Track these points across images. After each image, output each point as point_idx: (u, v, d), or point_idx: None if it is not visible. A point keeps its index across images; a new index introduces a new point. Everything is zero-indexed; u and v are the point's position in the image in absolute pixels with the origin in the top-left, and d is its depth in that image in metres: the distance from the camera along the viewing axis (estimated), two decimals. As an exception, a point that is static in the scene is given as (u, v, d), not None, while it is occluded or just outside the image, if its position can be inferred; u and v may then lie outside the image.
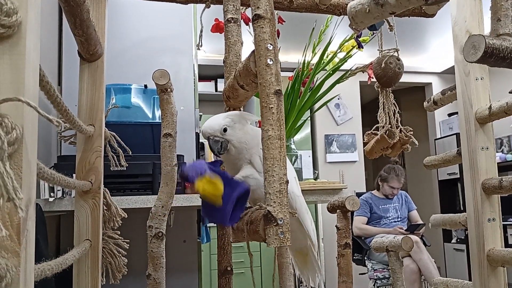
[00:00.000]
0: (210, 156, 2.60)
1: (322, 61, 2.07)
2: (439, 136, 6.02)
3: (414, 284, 3.57)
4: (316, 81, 2.10)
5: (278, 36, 2.13)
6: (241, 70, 0.99)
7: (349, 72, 2.11)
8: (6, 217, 0.54)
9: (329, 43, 2.05)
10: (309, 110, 2.45)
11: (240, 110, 1.23)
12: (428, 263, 3.56)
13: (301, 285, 4.58)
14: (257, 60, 0.86)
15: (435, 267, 3.58)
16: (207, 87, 5.44)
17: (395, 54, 1.70)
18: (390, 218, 4.05)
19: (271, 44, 0.84)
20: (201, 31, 1.69)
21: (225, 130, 1.03)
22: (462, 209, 5.50)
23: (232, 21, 1.24)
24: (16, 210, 0.52)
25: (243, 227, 0.92)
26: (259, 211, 0.86)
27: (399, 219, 4.07)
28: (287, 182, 0.80)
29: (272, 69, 0.83)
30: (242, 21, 1.50)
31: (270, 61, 0.83)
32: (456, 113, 5.28)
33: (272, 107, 0.82)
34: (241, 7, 1.46)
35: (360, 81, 5.71)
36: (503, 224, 1.40)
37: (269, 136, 0.81)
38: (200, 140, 2.45)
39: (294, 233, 1.12)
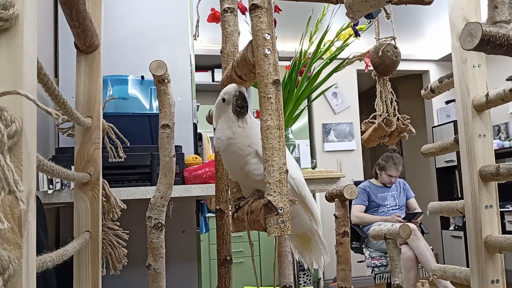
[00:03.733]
0: (208, 147, 2.60)
1: (319, 50, 2.07)
2: (437, 124, 6.03)
3: (411, 271, 3.59)
4: (313, 70, 2.09)
5: (275, 25, 2.12)
6: (239, 60, 0.99)
7: (346, 60, 2.10)
8: (8, 210, 0.54)
9: (326, 32, 2.04)
10: (306, 99, 2.46)
11: None
12: (424, 250, 3.59)
13: (300, 274, 4.61)
14: (254, 50, 0.85)
15: (431, 254, 3.60)
16: (204, 77, 5.43)
17: (392, 42, 1.69)
18: (388, 206, 4.07)
19: (268, 34, 0.84)
20: (198, 21, 1.68)
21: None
22: (459, 196, 5.53)
23: (229, 11, 1.23)
24: (17, 203, 0.53)
25: (244, 217, 0.93)
26: (259, 201, 0.86)
27: (397, 207, 4.09)
28: (287, 171, 0.81)
29: (270, 59, 0.83)
30: (238, 10, 1.50)
31: (268, 51, 0.83)
32: (454, 100, 5.29)
33: (270, 97, 0.82)
34: (238, -3, 1.46)
35: (357, 70, 5.71)
36: (500, 211, 1.41)
37: (268, 126, 0.81)
38: (198, 131, 2.45)
39: (300, 218, 1.12)
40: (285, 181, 0.80)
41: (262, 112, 0.82)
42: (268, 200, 0.79)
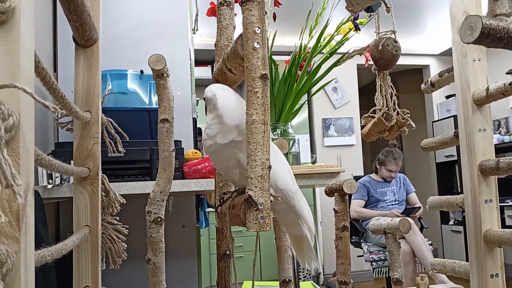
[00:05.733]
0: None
1: (319, 44, 2.06)
2: (437, 119, 6.03)
3: (408, 265, 3.60)
4: (313, 64, 2.09)
5: (275, 19, 2.12)
6: (229, 53, 0.98)
7: (346, 55, 2.10)
8: (5, 204, 0.54)
9: (326, 26, 2.03)
10: (306, 94, 2.45)
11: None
12: (421, 244, 3.59)
13: (299, 268, 4.61)
14: (244, 43, 0.84)
15: (428, 249, 3.61)
16: (203, 72, 5.42)
17: (392, 36, 1.69)
18: (387, 201, 4.07)
19: (259, 27, 0.83)
20: (197, 15, 1.67)
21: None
22: (459, 191, 5.54)
23: (225, 4, 1.23)
24: (15, 197, 0.52)
25: (226, 211, 0.92)
26: (241, 196, 0.85)
27: (396, 202, 4.09)
28: (270, 167, 0.79)
29: (259, 52, 0.82)
30: (237, 4, 1.49)
31: (257, 44, 0.82)
32: (454, 95, 5.28)
33: (257, 91, 0.81)
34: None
35: (357, 64, 5.69)
36: (500, 206, 1.41)
37: (253, 121, 0.80)
38: (198, 125, 2.45)
39: (292, 224, 1.11)
40: (267, 177, 0.79)
41: (248, 106, 0.81)
42: (248, 195, 0.78)
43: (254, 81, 0.81)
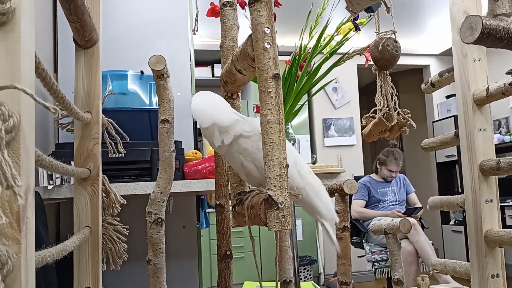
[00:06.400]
0: (207, 144, 2.60)
1: (319, 45, 2.06)
2: (437, 119, 6.02)
3: (411, 265, 3.60)
4: (313, 64, 2.09)
5: (275, 20, 2.11)
6: (238, 54, 0.99)
7: (347, 55, 2.10)
8: (6, 205, 0.54)
9: (326, 26, 2.03)
10: (306, 94, 2.45)
11: (237, 95, 1.23)
12: (425, 244, 3.59)
13: (300, 268, 4.61)
14: (254, 44, 0.85)
15: (432, 249, 3.61)
16: (203, 72, 5.42)
17: (393, 36, 1.69)
18: (388, 201, 4.07)
19: (268, 27, 0.84)
20: (197, 16, 1.67)
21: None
22: (460, 191, 5.54)
23: (228, 5, 1.23)
24: (16, 198, 0.52)
25: (244, 212, 0.92)
26: (260, 196, 0.86)
27: (397, 202, 4.09)
28: (287, 166, 0.80)
29: (270, 53, 0.82)
30: (238, 4, 1.49)
31: (267, 44, 0.83)
32: (454, 95, 5.28)
33: (270, 91, 0.81)
34: (237, -9, 1.45)
35: (357, 64, 5.69)
36: (500, 205, 1.41)
37: (268, 121, 0.81)
38: (198, 126, 2.45)
39: (311, 212, 1.10)
40: (286, 176, 0.79)
41: (262, 106, 0.82)
42: (268, 194, 0.78)
43: (267, 81, 0.82)
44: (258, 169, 0.97)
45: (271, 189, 0.79)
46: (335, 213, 1.11)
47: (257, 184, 1.02)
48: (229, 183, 1.23)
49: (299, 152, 2.10)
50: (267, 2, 0.84)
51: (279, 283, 1.25)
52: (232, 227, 1.26)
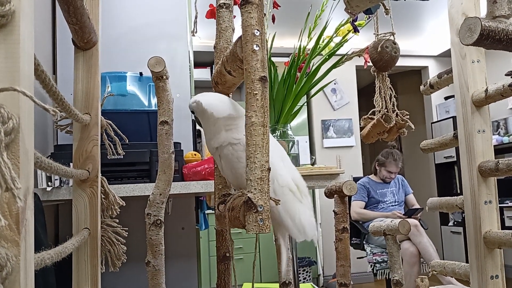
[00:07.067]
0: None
1: (318, 46, 2.06)
2: (436, 120, 6.03)
3: (414, 266, 3.60)
4: (312, 66, 2.09)
5: (274, 21, 2.12)
6: (228, 55, 0.99)
7: (345, 56, 2.10)
8: (5, 207, 0.54)
9: (324, 28, 2.03)
10: (305, 96, 2.45)
11: (229, 97, 1.23)
12: (427, 246, 3.59)
13: (299, 270, 4.61)
14: (243, 45, 0.84)
15: (434, 250, 3.60)
16: (202, 74, 5.42)
17: (391, 38, 1.69)
18: (387, 202, 4.07)
19: (258, 30, 0.83)
20: (196, 17, 1.68)
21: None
22: (459, 192, 5.54)
23: (224, 7, 1.23)
24: (15, 200, 0.52)
25: (225, 213, 0.92)
26: (240, 198, 0.86)
27: (396, 203, 4.09)
28: (269, 169, 0.79)
29: (258, 55, 0.82)
30: (236, 6, 1.49)
31: (256, 47, 0.82)
32: (453, 96, 5.28)
33: (256, 94, 0.81)
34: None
35: (356, 66, 5.70)
36: (499, 207, 1.41)
37: (253, 123, 0.80)
38: (197, 127, 2.45)
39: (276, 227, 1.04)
40: (267, 179, 0.79)
41: (247, 108, 0.81)
42: (248, 197, 0.78)
43: (253, 83, 0.81)
44: (235, 176, 0.98)
45: (251, 192, 0.78)
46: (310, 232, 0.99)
47: (238, 187, 1.01)
48: (214, 185, 1.23)
49: (298, 153, 2.10)
50: (258, 4, 0.84)
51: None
52: (215, 228, 1.26)
